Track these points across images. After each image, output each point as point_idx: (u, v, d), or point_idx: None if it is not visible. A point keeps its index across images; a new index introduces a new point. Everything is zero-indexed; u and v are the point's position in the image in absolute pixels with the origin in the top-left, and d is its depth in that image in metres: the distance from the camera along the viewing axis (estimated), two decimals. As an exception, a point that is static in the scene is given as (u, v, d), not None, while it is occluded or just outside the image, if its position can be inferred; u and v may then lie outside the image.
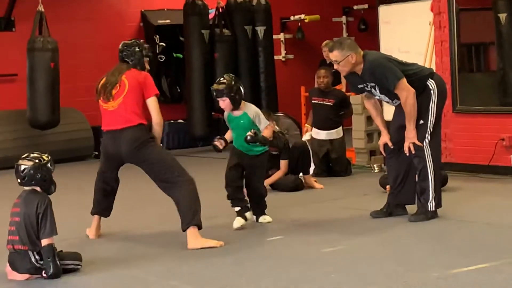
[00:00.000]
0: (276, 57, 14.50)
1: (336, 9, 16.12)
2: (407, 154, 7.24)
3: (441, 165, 8.65)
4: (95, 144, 13.24)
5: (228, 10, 13.76)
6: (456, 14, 9.96)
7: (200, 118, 13.36)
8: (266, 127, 7.31)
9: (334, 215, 7.83)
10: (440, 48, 10.13)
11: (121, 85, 6.89)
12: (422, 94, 7.21)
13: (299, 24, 15.65)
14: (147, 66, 7.10)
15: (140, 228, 7.57)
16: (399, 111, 7.34)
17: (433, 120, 7.24)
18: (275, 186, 9.30)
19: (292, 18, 15.52)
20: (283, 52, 15.87)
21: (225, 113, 7.38)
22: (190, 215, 6.66)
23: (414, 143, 7.18)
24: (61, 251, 5.95)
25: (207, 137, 12.94)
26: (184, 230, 6.67)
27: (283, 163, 9.27)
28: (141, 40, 7.28)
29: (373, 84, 7.21)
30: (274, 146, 9.25)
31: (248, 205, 7.40)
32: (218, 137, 7.42)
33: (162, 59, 14.35)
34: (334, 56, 7.22)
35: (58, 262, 5.75)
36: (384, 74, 7.12)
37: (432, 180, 7.23)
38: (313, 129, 10.42)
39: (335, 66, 7.28)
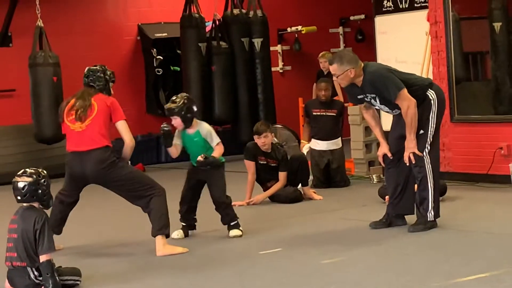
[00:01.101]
0: (273, 69, 14.53)
1: (333, 20, 16.15)
2: (407, 164, 7.24)
3: (440, 174, 8.67)
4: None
5: (225, 23, 13.78)
6: (454, 23, 9.98)
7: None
8: (217, 144, 7.44)
9: (333, 226, 7.82)
10: (437, 58, 10.14)
11: (91, 107, 7.07)
12: (423, 104, 7.21)
13: (296, 35, 15.68)
14: (112, 92, 7.29)
15: (136, 241, 7.56)
16: (398, 121, 7.36)
17: (433, 131, 7.25)
18: (274, 198, 9.30)
19: (289, 29, 15.55)
20: (280, 63, 15.89)
21: (177, 131, 7.50)
22: (161, 224, 6.96)
23: (414, 153, 7.17)
24: (60, 266, 5.93)
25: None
26: (154, 236, 6.96)
27: (282, 175, 9.26)
28: (105, 66, 7.38)
29: (373, 95, 7.22)
30: (273, 158, 9.28)
31: (195, 223, 7.66)
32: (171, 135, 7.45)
33: (159, 72, 14.37)
34: (333, 69, 7.25)
35: (57, 278, 5.73)
36: (385, 85, 7.13)
37: (432, 190, 7.23)
38: (312, 140, 10.41)
39: (334, 79, 7.34)
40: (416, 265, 6.11)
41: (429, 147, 7.21)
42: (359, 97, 7.36)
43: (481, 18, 10.42)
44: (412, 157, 7.18)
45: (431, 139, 7.24)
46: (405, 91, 7.12)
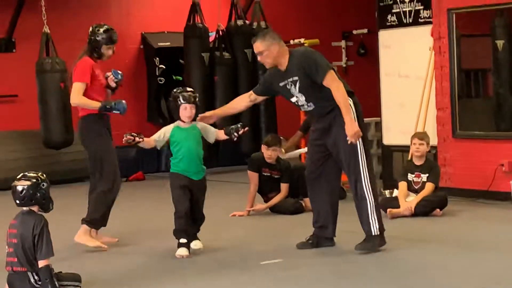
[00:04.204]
0: (275, 81, 14.52)
1: (335, 34, 16.18)
2: (352, 143, 6.78)
3: (440, 189, 8.69)
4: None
5: (228, 33, 13.80)
6: (458, 40, 10.01)
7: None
8: (217, 131, 7.22)
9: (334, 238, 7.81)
10: (440, 73, 10.16)
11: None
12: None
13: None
14: (105, 52, 7.53)
15: (136, 247, 7.56)
16: (314, 125, 7.14)
17: (361, 140, 6.89)
18: (275, 209, 9.30)
19: (291, 42, 15.51)
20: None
21: (169, 127, 7.12)
22: (92, 217, 7.35)
23: (350, 162, 6.87)
24: (60, 272, 5.93)
25: (207, 159, 12.91)
26: (82, 223, 7.33)
27: (284, 186, 9.27)
28: (97, 26, 7.69)
29: (295, 79, 6.88)
30: (277, 170, 9.29)
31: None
32: (140, 136, 6.98)
33: (161, 81, 14.37)
34: (256, 47, 6.97)
35: (56, 283, 5.72)
36: (315, 62, 6.84)
37: (371, 202, 6.93)
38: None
39: (259, 58, 7.02)
40: (415, 281, 6.10)
41: (362, 159, 6.89)
42: (280, 84, 7.00)
43: (484, 36, 10.45)
44: (356, 139, 6.75)
45: (362, 149, 6.89)
46: (333, 72, 6.84)
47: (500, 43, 10.04)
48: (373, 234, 6.95)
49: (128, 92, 13.86)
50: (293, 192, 9.34)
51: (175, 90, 7.16)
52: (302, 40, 15.42)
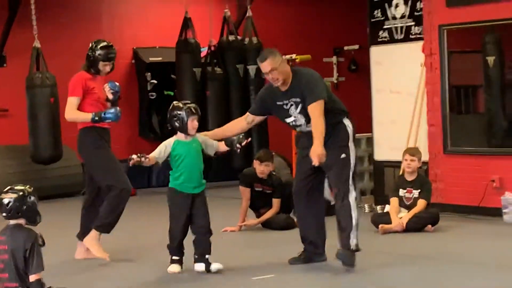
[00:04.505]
0: (267, 96, 14.54)
1: (327, 50, 16.20)
2: (316, 165, 6.73)
3: (432, 205, 8.71)
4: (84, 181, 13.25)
5: (220, 49, 13.82)
6: (449, 56, 10.05)
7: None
8: (217, 143, 7.10)
9: (326, 253, 7.79)
10: (432, 89, 10.19)
11: None
12: (338, 127, 6.95)
13: (290, 63, 15.66)
14: (103, 69, 7.55)
15: (129, 261, 7.53)
16: (304, 156, 6.99)
17: (355, 159, 6.95)
18: (266, 225, 9.29)
19: (283, 57, 15.58)
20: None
21: (169, 141, 6.96)
22: (103, 222, 7.37)
23: (338, 180, 6.87)
24: (51, 287, 5.90)
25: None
26: (91, 228, 7.38)
27: (276, 202, 9.26)
28: (96, 42, 7.69)
29: (297, 100, 6.86)
30: (269, 185, 9.29)
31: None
32: (143, 156, 6.79)
33: (153, 96, 14.37)
34: (268, 64, 6.86)
35: (47, 297, 5.69)
36: (316, 85, 6.84)
37: (356, 220, 6.91)
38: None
39: (270, 76, 6.88)
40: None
41: (352, 179, 6.90)
42: (278, 102, 6.97)
43: (475, 52, 10.48)
44: (322, 159, 6.65)
45: (354, 170, 6.93)
46: (323, 103, 6.78)
47: (491, 59, 10.07)
48: (351, 248, 6.92)
49: (119, 106, 13.87)
50: (285, 207, 9.33)
51: (176, 103, 7.04)
52: (293, 56, 15.46)
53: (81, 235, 7.63)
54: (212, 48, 13.79)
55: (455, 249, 7.90)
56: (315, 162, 6.68)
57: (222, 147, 7.13)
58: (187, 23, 13.57)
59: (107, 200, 7.39)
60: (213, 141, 7.11)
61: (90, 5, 14.30)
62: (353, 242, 6.91)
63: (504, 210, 9.42)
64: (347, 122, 7.01)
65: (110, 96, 7.63)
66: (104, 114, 7.36)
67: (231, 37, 13.86)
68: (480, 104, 10.73)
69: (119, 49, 14.26)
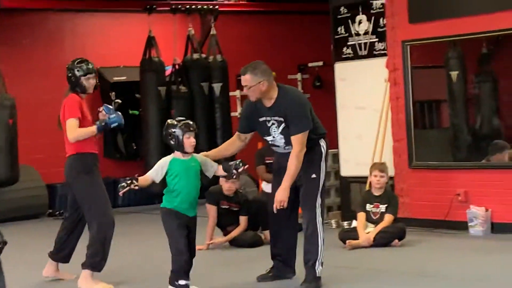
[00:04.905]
0: (232, 114, 14.55)
1: (291, 67, 16.26)
2: (275, 211, 6.75)
3: (398, 220, 8.72)
4: (50, 202, 13.13)
5: (185, 67, 13.81)
6: (413, 71, 10.12)
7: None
8: (217, 166, 6.78)
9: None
10: (396, 105, 10.25)
11: (62, 111, 7.27)
12: (313, 150, 6.83)
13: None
14: (87, 84, 7.33)
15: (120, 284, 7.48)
16: (280, 169, 6.89)
17: (324, 180, 6.86)
18: (234, 242, 9.26)
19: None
20: (239, 108, 15.89)
21: (166, 160, 6.68)
22: (92, 260, 7.07)
23: (305, 201, 6.79)
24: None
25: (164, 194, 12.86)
26: (83, 268, 7.10)
27: (243, 219, 9.24)
28: (74, 62, 7.42)
29: (280, 120, 6.71)
30: (235, 202, 9.27)
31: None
32: (133, 180, 6.54)
33: (118, 116, 14.30)
34: (245, 79, 6.72)
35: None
36: (300, 116, 6.67)
37: (321, 245, 6.80)
38: (267, 184, 10.31)
39: (245, 90, 6.79)
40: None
41: (320, 199, 6.82)
42: (260, 119, 6.82)
43: (439, 67, 10.57)
44: (282, 205, 6.65)
45: (322, 190, 6.84)
46: (307, 134, 6.68)
47: (454, 74, 10.17)
48: (317, 275, 6.84)
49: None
50: (252, 224, 9.32)
51: (170, 120, 6.77)
52: (258, 73, 15.52)
53: (54, 255, 7.49)
54: (177, 67, 13.78)
55: (422, 263, 7.92)
56: (276, 205, 6.67)
57: (220, 171, 6.80)
58: (151, 42, 13.56)
59: (94, 234, 7.10)
60: (214, 163, 6.80)
61: (52, 25, 14.24)
62: (318, 269, 6.82)
63: (469, 224, 9.48)
64: (322, 142, 6.91)
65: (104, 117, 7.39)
66: (109, 119, 7.19)
67: (196, 55, 13.87)
68: (444, 118, 10.81)
69: (83, 69, 14.36)
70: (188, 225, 6.69)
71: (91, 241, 7.11)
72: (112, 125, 7.26)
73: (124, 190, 6.50)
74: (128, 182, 6.49)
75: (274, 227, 7.22)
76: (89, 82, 7.35)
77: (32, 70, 13.85)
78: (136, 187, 6.51)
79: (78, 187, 7.17)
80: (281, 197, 6.66)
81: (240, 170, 6.75)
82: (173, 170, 6.63)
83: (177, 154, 6.68)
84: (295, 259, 7.24)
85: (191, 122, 6.72)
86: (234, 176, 6.92)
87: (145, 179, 6.63)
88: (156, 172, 6.64)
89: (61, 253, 7.47)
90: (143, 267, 8.24)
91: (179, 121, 6.71)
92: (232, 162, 6.80)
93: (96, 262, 7.08)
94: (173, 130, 6.64)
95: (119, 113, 7.32)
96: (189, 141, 6.60)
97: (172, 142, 6.65)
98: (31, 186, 12.99)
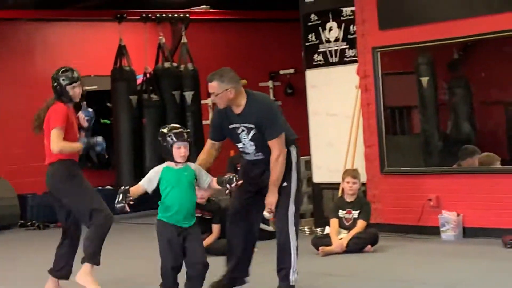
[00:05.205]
0: (204, 122, 14.53)
1: (263, 74, 16.29)
2: (268, 218, 6.72)
3: (370, 225, 8.73)
4: (21, 213, 13.04)
5: (156, 76, 13.79)
6: (383, 77, 10.17)
7: (129, 184, 13.12)
8: (211, 178, 6.47)
9: (268, 278, 7.77)
10: (367, 111, 10.29)
11: (46, 118, 7.12)
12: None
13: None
14: (72, 93, 7.21)
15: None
16: (246, 172, 6.85)
17: (296, 188, 6.74)
18: (207, 251, 9.19)
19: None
20: (211, 116, 15.91)
21: (158, 169, 6.37)
22: (91, 252, 6.95)
23: (276, 212, 6.67)
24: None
25: (139, 202, 12.81)
26: (82, 262, 6.99)
27: (216, 227, 9.24)
28: (58, 71, 7.32)
29: (251, 126, 6.61)
30: (208, 211, 9.25)
31: None
32: (126, 194, 6.25)
33: (89, 125, 14.24)
34: (212, 87, 6.59)
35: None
36: (273, 119, 6.60)
37: (295, 254, 6.72)
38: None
39: (212, 97, 6.67)
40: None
41: (293, 207, 6.69)
42: (230, 126, 6.70)
43: (409, 73, 10.63)
44: (272, 210, 6.62)
45: (295, 197, 6.71)
46: (284, 136, 6.61)
47: (424, 80, 10.23)
48: (291, 284, 6.77)
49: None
50: (225, 233, 9.27)
51: (162, 128, 6.46)
52: (229, 81, 15.53)
53: (54, 271, 7.31)
54: (148, 75, 13.75)
55: (395, 269, 7.95)
56: (268, 208, 6.59)
57: (214, 184, 6.48)
58: (122, 51, 13.52)
59: (93, 229, 7.01)
60: (208, 175, 6.52)
61: (23, 35, 14.16)
62: (292, 277, 6.75)
63: (441, 229, 9.54)
64: (292, 149, 6.80)
65: (85, 124, 7.36)
66: (96, 141, 7.12)
67: (167, 64, 13.85)
68: (415, 124, 10.87)
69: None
70: (184, 235, 6.33)
71: (91, 236, 6.99)
72: (97, 147, 7.15)
73: (123, 209, 6.21)
74: (122, 198, 6.18)
75: (231, 231, 7.05)
76: (75, 91, 7.25)
77: (2, 81, 13.77)
78: (132, 202, 6.22)
79: (65, 191, 7.05)
80: (273, 201, 6.60)
81: (233, 185, 6.43)
82: (165, 179, 6.31)
83: (170, 163, 6.36)
84: (249, 266, 7.10)
85: (183, 130, 6.37)
86: (227, 191, 6.53)
87: (136, 189, 6.34)
88: (148, 181, 6.36)
89: (63, 270, 7.28)
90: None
91: (170, 129, 6.37)
92: (226, 177, 6.51)
93: (97, 258, 7.00)
94: (162, 138, 6.33)
95: (103, 140, 7.22)
96: (179, 151, 6.27)
97: (162, 152, 6.35)
98: (2, 196, 12.90)
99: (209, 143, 6.96)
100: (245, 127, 6.66)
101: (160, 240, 6.35)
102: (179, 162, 6.30)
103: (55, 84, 7.23)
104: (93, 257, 7.02)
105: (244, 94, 6.68)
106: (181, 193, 6.30)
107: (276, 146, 6.58)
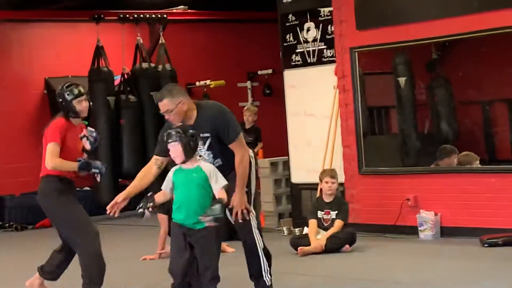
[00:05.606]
0: (182, 122, 14.53)
1: (241, 75, 16.28)
2: (235, 221, 6.54)
3: (349, 225, 8.74)
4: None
5: (134, 76, 13.76)
6: (361, 78, 10.19)
7: (106, 185, 13.17)
8: (221, 189, 6.21)
9: (245, 279, 7.77)
10: (345, 111, 10.31)
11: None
12: None
13: (205, 89, 15.73)
14: (79, 108, 6.94)
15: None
16: None
17: (255, 189, 6.69)
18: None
19: (197, 83, 15.61)
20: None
21: (173, 169, 6.29)
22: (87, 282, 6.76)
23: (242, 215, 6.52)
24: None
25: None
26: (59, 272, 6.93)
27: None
28: (63, 87, 7.02)
29: (206, 135, 6.47)
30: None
31: None
32: (148, 200, 6.27)
33: (67, 126, 14.18)
34: (164, 105, 6.40)
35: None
36: (228, 122, 6.50)
37: (262, 254, 6.62)
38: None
39: (166, 117, 6.45)
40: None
41: (254, 211, 6.59)
42: None
43: (387, 73, 10.66)
44: (244, 214, 6.47)
45: (255, 201, 6.65)
46: (242, 136, 6.55)
47: (402, 80, 10.26)
48: (267, 284, 6.69)
49: (32, 138, 13.64)
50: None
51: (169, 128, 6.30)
52: (208, 82, 15.51)
53: (43, 272, 7.18)
54: (126, 76, 13.72)
55: (373, 269, 7.97)
56: (238, 210, 6.45)
57: (222, 193, 6.23)
58: (99, 52, 13.49)
59: (80, 263, 6.83)
60: (223, 179, 6.29)
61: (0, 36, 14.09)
62: (267, 279, 6.67)
63: (419, 228, 9.56)
64: (250, 152, 6.71)
65: (88, 146, 7.05)
66: (94, 164, 6.85)
67: (145, 65, 13.84)
68: (393, 124, 10.90)
69: (30, 80, 14.26)
70: (191, 239, 6.19)
71: (83, 263, 6.79)
72: (93, 170, 6.90)
73: (144, 215, 6.20)
74: (143, 205, 6.20)
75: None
76: (81, 105, 6.97)
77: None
78: (152, 209, 6.20)
79: (48, 208, 6.85)
80: (243, 202, 6.48)
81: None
82: (174, 179, 6.24)
83: (182, 164, 6.22)
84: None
85: (177, 130, 6.17)
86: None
87: (163, 194, 6.31)
88: (166, 184, 6.29)
89: (53, 274, 7.16)
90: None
91: (170, 130, 6.23)
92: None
93: (95, 283, 6.81)
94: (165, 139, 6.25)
95: (102, 164, 6.99)
96: (171, 153, 6.19)
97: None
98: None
99: (153, 159, 6.69)
100: (200, 137, 6.48)
101: (171, 241, 6.35)
102: (185, 162, 6.18)
103: (60, 100, 6.93)
104: (92, 285, 6.83)
105: (193, 106, 6.57)
106: (186, 192, 6.18)
107: (238, 148, 6.52)
